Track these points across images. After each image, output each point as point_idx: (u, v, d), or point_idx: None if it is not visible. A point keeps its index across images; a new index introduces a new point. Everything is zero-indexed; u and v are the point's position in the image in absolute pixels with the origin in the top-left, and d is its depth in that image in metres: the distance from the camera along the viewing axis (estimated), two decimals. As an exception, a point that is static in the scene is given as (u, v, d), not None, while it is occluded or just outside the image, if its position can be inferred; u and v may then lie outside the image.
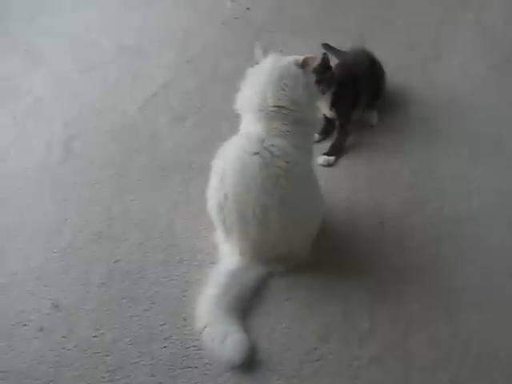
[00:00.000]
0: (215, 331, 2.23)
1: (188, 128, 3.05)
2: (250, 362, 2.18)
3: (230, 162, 2.27)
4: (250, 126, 2.35)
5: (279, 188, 2.24)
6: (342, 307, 2.34)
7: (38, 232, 2.68)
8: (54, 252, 2.58)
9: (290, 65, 2.36)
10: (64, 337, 2.31)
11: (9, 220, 2.74)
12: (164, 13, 3.94)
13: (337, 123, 2.96)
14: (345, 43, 3.20)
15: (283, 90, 2.32)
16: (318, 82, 2.67)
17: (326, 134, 3.00)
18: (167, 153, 2.92)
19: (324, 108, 2.92)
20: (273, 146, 2.26)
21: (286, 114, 2.32)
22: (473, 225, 2.60)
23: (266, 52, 2.44)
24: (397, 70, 3.26)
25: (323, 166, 2.87)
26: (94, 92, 3.35)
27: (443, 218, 2.63)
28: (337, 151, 2.93)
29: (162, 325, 2.33)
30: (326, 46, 3.12)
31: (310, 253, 2.48)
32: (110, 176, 2.89)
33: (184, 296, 2.40)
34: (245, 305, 2.34)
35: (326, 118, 2.98)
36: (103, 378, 2.19)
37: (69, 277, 2.51)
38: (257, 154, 2.24)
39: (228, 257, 2.46)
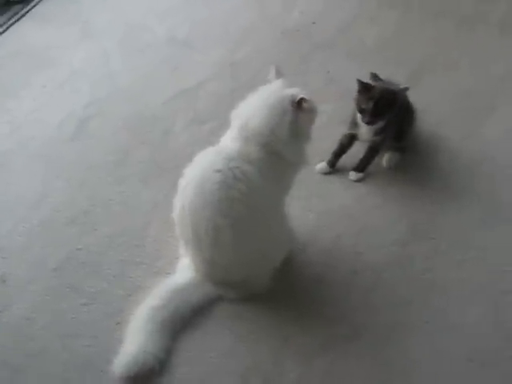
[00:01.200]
0: (132, 340, 2.21)
1: (203, 132, 3.03)
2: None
3: (194, 173, 2.24)
4: (228, 141, 2.30)
5: (234, 211, 2.20)
6: (279, 351, 2.28)
7: (17, 203, 2.76)
8: (23, 227, 2.65)
9: (286, 99, 2.28)
10: (-2, 311, 2.33)
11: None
12: (229, 11, 3.91)
13: (369, 144, 2.86)
14: (396, 77, 3.07)
15: (267, 119, 2.26)
16: (361, 111, 2.68)
17: (336, 159, 2.92)
18: (171, 153, 2.92)
19: (365, 134, 2.82)
20: (237, 168, 2.22)
21: (262, 142, 2.26)
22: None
23: (279, 75, 2.40)
24: (442, 115, 3.12)
25: (356, 181, 2.85)
26: (129, 77, 3.41)
27: (422, 281, 2.50)
28: (364, 167, 2.87)
29: (93, 323, 2.33)
30: (374, 76, 3.00)
31: (267, 285, 2.42)
32: (107, 162, 2.92)
33: (128, 299, 2.40)
34: (182, 323, 2.32)
35: (344, 139, 2.90)
36: (19, 362, 2.25)
37: (27, 254, 2.55)
38: (219, 171, 2.20)
39: (184, 271, 2.43)
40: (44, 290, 2.46)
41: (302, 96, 2.24)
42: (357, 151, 2.88)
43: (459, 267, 2.53)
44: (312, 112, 2.33)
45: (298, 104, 2.26)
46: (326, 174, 2.88)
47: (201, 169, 2.25)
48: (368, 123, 2.70)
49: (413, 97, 2.93)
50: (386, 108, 2.68)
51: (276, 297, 2.42)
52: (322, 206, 2.75)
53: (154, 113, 3.18)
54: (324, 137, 2.86)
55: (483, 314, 2.38)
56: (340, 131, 2.94)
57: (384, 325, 2.36)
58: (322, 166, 2.89)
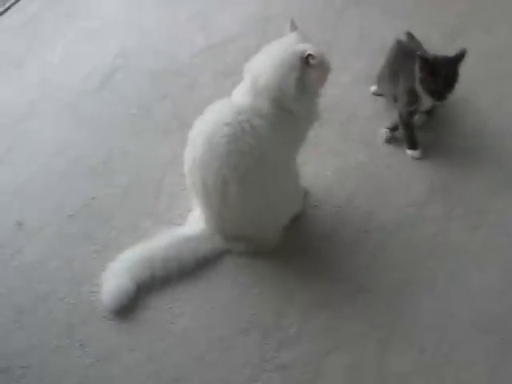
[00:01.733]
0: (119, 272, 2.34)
1: (228, 86, 2.99)
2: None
3: (204, 126, 2.27)
4: (240, 95, 2.31)
5: (243, 164, 2.22)
6: (281, 305, 2.32)
7: (40, 151, 2.87)
8: (44, 173, 2.70)
9: (295, 54, 2.27)
10: (11, 254, 2.41)
11: (17, 130, 2.94)
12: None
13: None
14: (431, 38, 3.01)
15: (276, 74, 2.27)
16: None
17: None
18: (194, 107, 2.89)
19: (427, 103, 2.76)
20: (247, 121, 2.23)
21: (272, 97, 2.26)
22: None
23: (294, 28, 2.41)
24: (474, 78, 3.04)
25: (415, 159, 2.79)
26: (160, 30, 3.44)
27: (434, 244, 2.51)
28: (410, 144, 2.80)
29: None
30: (410, 36, 2.96)
31: (276, 241, 2.45)
32: (130, 115, 2.98)
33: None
34: (182, 271, 2.39)
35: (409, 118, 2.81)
36: (25, 304, 2.35)
37: (44, 200, 2.64)
38: (229, 124, 2.23)
39: (194, 223, 2.47)
40: (57, 236, 2.54)
41: (309, 52, 2.22)
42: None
43: (473, 232, 2.51)
44: (322, 68, 2.30)
45: (306, 60, 2.22)
46: (420, 159, 2.80)
47: (211, 122, 2.28)
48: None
49: None
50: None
51: (284, 252, 2.45)
52: (339, 164, 2.75)
53: (181, 66, 3.19)
54: (352, 94, 2.94)
55: (491, 281, 2.38)
56: (368, 89, 2.99)
57: (389, 284, 2.38)
58: (417, 153, 2.81)
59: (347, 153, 2.79)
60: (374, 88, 2.97)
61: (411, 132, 2.75)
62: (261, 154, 2.24)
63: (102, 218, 2.58)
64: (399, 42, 2.83)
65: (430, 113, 2.85)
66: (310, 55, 2.22)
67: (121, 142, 2.86)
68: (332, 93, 2.88)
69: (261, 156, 2.24)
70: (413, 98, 2.68)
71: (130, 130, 2.92)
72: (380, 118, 2.92)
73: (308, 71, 2.26)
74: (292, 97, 2.26)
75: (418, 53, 2.60)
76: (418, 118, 2.83)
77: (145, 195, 2.65)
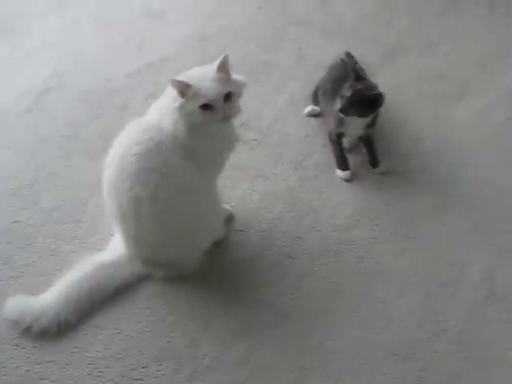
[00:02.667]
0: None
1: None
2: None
3: (117, 148, 2.28)
4: (152, 111, 2.35)
5: (152, 181, 2.22)
6: (197, 334, 2.30)
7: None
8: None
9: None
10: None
11: None
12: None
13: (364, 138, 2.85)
14: (370, 56, 3.02)
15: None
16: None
17: (346, 160, 2.84)
18: (122, 128, 2.94)
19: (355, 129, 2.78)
20: (152, 139, 2.24)
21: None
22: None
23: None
24: (410, 96, 3.12)
25: (386, 173, 2.82)
26: (96, 50, 3.42)
27: (359, 269, 2.51)
28: (339, 164, 2.82)
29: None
30: (348, 55, 2.97)
31: (195, 266, 2.44)
32: (59, 136, 2.97)
33: (56, 274, 2.43)
34: (100, 299, 2.36)
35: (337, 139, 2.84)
36: None
37: None
38: (138, 143, 2.24)
39: (115, 248, 2.46)
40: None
41: (176, 79, 2.20)
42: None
43: (399, 257, 2.52)
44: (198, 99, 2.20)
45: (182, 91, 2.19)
46: (349, 180, 2.81)
47: (124, 142, 2.28)
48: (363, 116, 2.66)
49: (385, 77, 2.88)
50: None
51: (204, 278, 2.44)
52: (268, 187, 2.75)
53: (113, 87, 3.18)
54: (286, 116, 2.99)
55: (414, 307, 2.37)
56: (302, 111, 3.03)
57: (311, 312, 2.36)
58: (346, 174, 2.80)
59: (277, 176, 2.79)
60: (308, 109, 2.96)
61: (340, 152, 2.77)
62: (169, 170, 2.23)
63: (22, 241, 2.52)
64: (343, 61, 2.84)
65: (363, 138, 2.82)
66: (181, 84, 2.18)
67: (48, 163, 2.83)
68: (266, 114, 2.90)
69: (169, 172, 2.23)
70: (340, 121, 2.66)
71: (58, 152, 2.89)
72: (313, 140, 2.93)
73: (184, 102, 2.20)
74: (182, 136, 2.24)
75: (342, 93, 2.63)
76: (348, 141, 2.80)
77: (68, 219, 2.62)
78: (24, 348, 2.25)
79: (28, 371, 2.19)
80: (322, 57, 3.20)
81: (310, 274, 2.46)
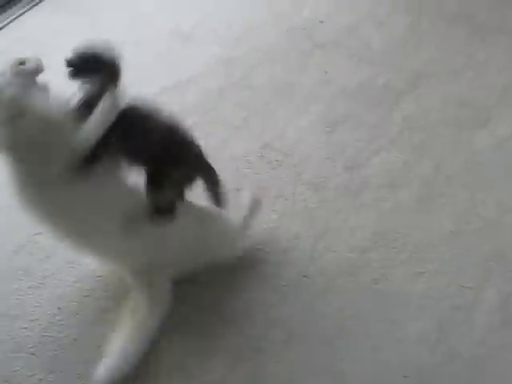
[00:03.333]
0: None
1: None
2: None
3: None
4: None
5: None
6: (207, 349, 2.35)
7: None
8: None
9: None
10: None
11: None
12: (236, 6, 4.02)
13: None
14: (395, 82, 3.07)
15: None
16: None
17: None
18: None
19: None
20: None
21: None
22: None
23: None
24: (430, 123, 3.13)
25: None
26: (124, 67, 3.41)
27: (373, 291, 2.52)
28: None
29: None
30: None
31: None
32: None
33: (74, 286, 2.51)
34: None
35: None
36: None
37: None
38: None
39: None
40: (-1, 272, 2.54)
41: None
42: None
43: (415, 279, 2.52)
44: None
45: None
46: None
47: None
48: None
49: (409, 102, 3.02)
50: None
51: (216, 293, 2.48)
52: (287, 207, 2.77)
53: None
54: (307, 137, 3.05)
55: (427, 330, 2.36)
56: (323, 134, 3.04)
57: (324, 332, 2.37)
58: None
59: (296, 196, 2.81)
60: None
61: None
62: None
63: (43, 253, 2.59)
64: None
65: None
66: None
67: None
68: (289, 135, 2.94)
69: None
70: None
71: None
72: (333, 163, 2.96)
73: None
74: None
75: None
76: None
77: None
78: (39, 357, 2.27)
79: (41, 380, 2.23)
80: (347, 81, 3.25)
81: (324, 293, 2.47)
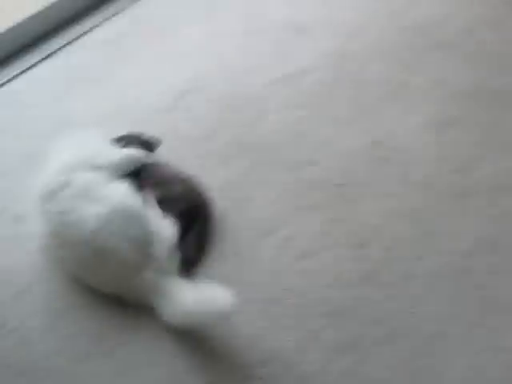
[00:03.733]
0: None
1: (295, 120, 3.15)
2: None
3: None
4: None
5: None
6: (306, 343, 2.37)
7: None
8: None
9: None
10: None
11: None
12: (352, 1, 3.95)
13: None
14: None
15: None
16: None
17: None
18: (258, 136, 3.11)
19: None
20: None
21: None
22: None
23: None
24: None
25: None
26: (237, 57, 3.60)
27: (474, 297, 2.49)
28: None
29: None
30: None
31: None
32: (194, 137, 3.11)
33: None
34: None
35: None
36: None
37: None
38: None
39: None
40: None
41: None
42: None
43: (521, 289, 2.44)
44: None
45: None
46: None
47: None
48: None
49: None
50: None
51: (320, 289, 2.48)
52: (392, 206, 2.77)
53: (251, 94, 3.28)
54: (418, 137, 3.04)
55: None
56: (435, 134, 3.01)
57: (424, 333, 2.35)
58: None
59: (403, 195, 2.79)
60: None
61: None
62: None
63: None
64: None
65: None
66: None
67: (183, 162, 2.90)
68: (398, 133, 2.93)
69: None
70: None
71: (190, 152, 3.02)
72: (442, 164, 2.92)
73: None
74: None
75: None
76: None
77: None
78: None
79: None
80: (461, 82, 3.21)
81: (427, 294, 2.45)
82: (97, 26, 3.80)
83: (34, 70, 3.58)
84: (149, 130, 2.98)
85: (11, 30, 3.56)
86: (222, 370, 2.27)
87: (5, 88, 3.48)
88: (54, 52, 3.68)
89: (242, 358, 2.30)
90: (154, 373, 2.26)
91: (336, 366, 2.26)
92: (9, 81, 3.48)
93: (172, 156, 2.91)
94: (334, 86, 3.31)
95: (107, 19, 3.85)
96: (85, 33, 3.78)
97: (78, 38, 3.75)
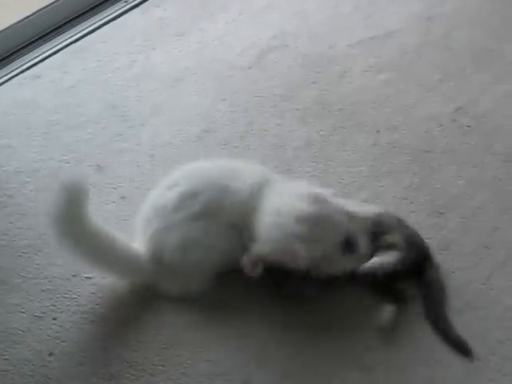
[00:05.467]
0: None
1: (378, 82, 3.11)
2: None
3: None
4: None
5: None
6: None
7: (178, 117, 3.02)
8: (180, 140, 2.88)
9: None
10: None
11: (165, 95, 3.13)
12: None
13: None
14: None
15: None
16: None
17: None
18: (339, 97, 3.06)
19: None
20: None
21: None
22: None
23: None
24: None
25: None
26: (320, 17, 3.54)
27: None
28: None
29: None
30: None
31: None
32: (275, 95, 3.07)
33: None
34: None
35: None
36: None
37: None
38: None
39: None
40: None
41: None
42: None
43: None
44: None
45: None
46: None
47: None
48: None
49: None
50: None
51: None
52: (474, 175, 2.70)
53: (334, 55, 3.23)
54: (504, 106, 2.96)
55: None
56: None
57: (499, 307, 2.28)
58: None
59: (485, 165, 2.72)
60: None
61: None
62: None
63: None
64: None
65: None
66: None
67: (259, 119, 2.95)
68: (484, 101, 2.86)
69: None
70: None
71: (270, 110, 3.00)
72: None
73: None
74: None
75: None
76: None
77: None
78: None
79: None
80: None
81: (504, 267, 2.38)
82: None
83: (119, 20, 3.61)
84: (228, 87, 3.02)
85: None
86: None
87: (88, 38, 3.51)
88: (140, 3, 3.68)
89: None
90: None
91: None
92: (93, 31, 3.49)
93: (252, 114, 2.91)
94: (419, 50, 3.23)
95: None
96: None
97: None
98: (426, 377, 2.10)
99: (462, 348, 2.13)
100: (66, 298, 2.29)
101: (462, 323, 2.20)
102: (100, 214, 2.42)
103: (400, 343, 2.17)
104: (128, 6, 3.58)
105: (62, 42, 3.40)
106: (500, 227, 2.48)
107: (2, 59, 3.28)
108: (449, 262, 2.38)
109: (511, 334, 2.18)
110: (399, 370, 2.10)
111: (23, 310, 2.27)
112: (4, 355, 2.15)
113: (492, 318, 2.23)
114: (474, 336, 2.17)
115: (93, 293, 2.30)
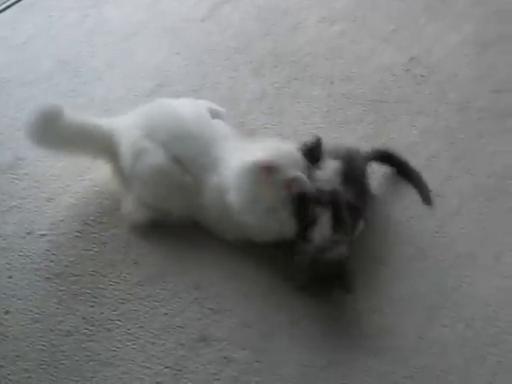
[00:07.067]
0: None
1: (332, 33, 3.06)
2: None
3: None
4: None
5: None
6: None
7: (133, 72, 2.95)
8: (134, 95, 2.84)
9: None
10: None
11: (118, 49, 3.05)
12: None
13: None
14: None
15: None
16: None
17: None
18: (293, 48, 3.04)
19: None
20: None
21: None
22: None
23: None
24: None
25: None
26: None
27: None
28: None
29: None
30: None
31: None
32: (229, 48, 3.03)
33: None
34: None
35: None
36: None
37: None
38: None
39: None
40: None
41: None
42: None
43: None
44: None
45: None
46: None
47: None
48: None
49: None
50: None
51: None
52: (428, 124, 2.72)
53: (288, 6, 3.20)
54: (456, 55, 2.97)
55: None
56: (474, 53, 2.96)
57: (452, 254, 2.32)
58: None
59: (438, 114, 2.73)
60: None
61: None
62: None
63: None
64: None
65: None
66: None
67: (213, 72, 2.90)
68: (437, 51, 2.86)
69: None
70: None
71: (226, 63, 2.95)
72: (480, 84, 2.84)
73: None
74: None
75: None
76: None
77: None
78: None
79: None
80: (504, 1, 3.08)
81: (457, 214, 2.40)
82: None
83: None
84: (181, 41, 2.98)
85: None
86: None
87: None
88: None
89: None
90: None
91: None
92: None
93: (206, 67, 2.88)
94: (374, 1, 3.22)
95: None
96: None
97: None
98: (380, 325, 2.12)
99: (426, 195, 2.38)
100: (21, 255, 2.24)
101: (415, 271, 2.24)
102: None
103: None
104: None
105: (11, -2, 3.26)
106: (453, 175, 2.50)
107: (-49, 17, 3.15)
108: (403, 211, 2.39)
109: (464, 281, 2.20)
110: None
111: (-22, 269, 2.20)
112: (-41, 313, 2.10)
113: (445, 265, 2.25)
114: (428, 283, 2.20)
115: (47, 250, 2.26)
